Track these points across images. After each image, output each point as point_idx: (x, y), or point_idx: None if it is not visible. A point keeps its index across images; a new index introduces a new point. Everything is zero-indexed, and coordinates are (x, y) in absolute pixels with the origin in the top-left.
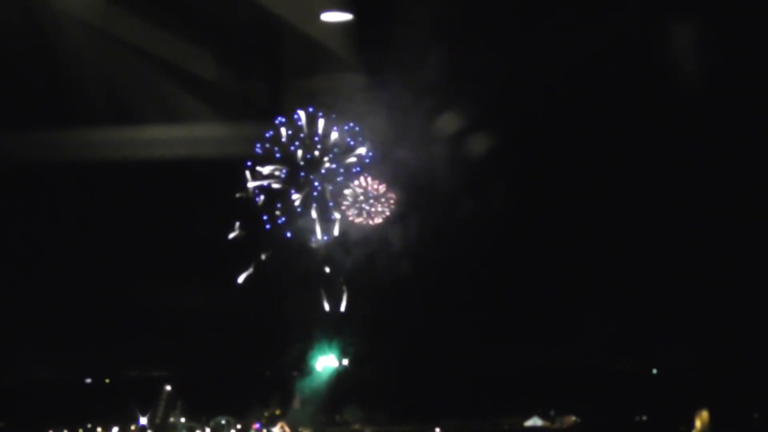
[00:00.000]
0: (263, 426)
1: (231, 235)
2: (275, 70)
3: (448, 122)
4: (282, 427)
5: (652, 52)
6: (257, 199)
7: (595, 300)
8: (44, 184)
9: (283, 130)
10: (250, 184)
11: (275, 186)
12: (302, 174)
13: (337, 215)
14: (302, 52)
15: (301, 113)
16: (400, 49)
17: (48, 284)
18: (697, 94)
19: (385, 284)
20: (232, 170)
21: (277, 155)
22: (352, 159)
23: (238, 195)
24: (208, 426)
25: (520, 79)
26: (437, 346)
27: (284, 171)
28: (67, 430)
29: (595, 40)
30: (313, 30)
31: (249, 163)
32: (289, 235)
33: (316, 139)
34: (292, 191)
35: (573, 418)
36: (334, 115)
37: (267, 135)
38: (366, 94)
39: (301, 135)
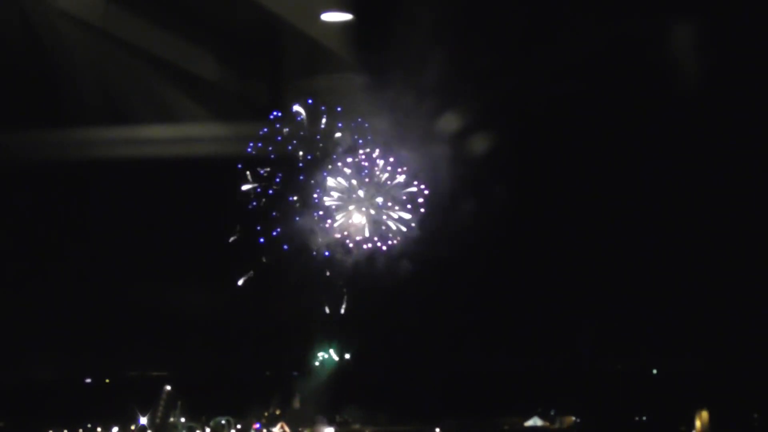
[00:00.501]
0: (263, 426)
1: (231, 239)
2: (275, 71)
3: (450, 122)
4: (282, 427)
5: (656, 51)
6: (253, 203)
7: (595, 300)
8: (43, 184)
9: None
10: (245, 187)
11: (272, 187)
12: (302, 177)
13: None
14: (303, 52)
15: (300, 108)
16: (401, 49)
17: (47, 284)
18: (700, 94)
19: (385, 284)
20: (232, 171)
21: (272, 156)
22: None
23: (238, 198)
24: (208, 426)
25: (523, 79)
26: (437, 346)
27: (279, 174)
28: (67, 430)
29: (599, 39)
30: (313, 30)
31: (240, 166)
32: (286, 247)
33: (318, 137)
34: (291, 197)
35: (573, 419)
36: (339, 108)
37: (262, 132)
38: (367, 94)
39: (301, 133)
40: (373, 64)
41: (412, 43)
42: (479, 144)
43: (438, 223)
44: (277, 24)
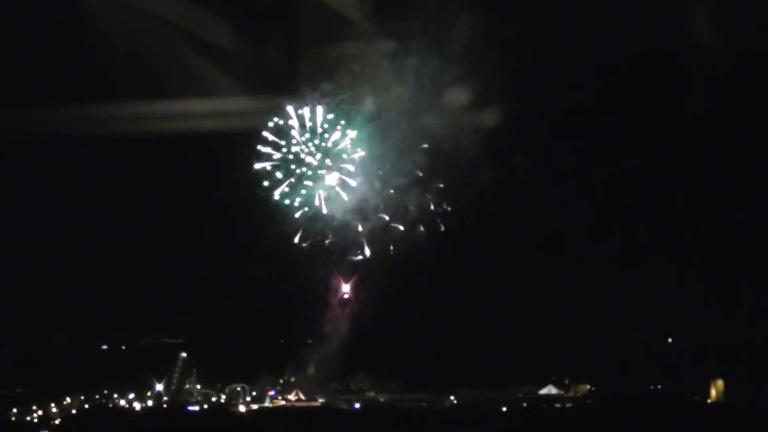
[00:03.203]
0: (278, 393)
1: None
2: (296, 40)
3: (469, 91)
4: (297, 394)
5: (681, 26)
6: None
7: (612, 270)
8: (66, 155)
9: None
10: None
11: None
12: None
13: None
14: (325, 21)
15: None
16: (422, 16)
17: (66, 253)
18: (719, 71)
19: (401, 251)
20: (250, 142)
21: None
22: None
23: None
24: (224, 393)
25: (545, 50)
26: (453, 314)
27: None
28: (84, 396)
29: (623, 14)
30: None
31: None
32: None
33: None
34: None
35: (587, 387)
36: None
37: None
38: (387, 61)
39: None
40: (392, 31)
41: (433, 11)
42: (500, 114)
43: (457, 193)
44: None
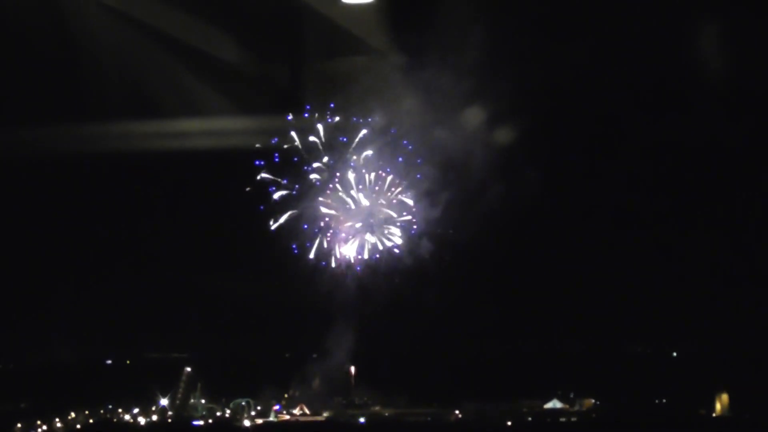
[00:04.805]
0: (283, 408)
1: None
2: (299, 57)
3: (481, 106)
4: (302, 409)
5: (685, 41)
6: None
7: (616, 282)
8: (69, 172)
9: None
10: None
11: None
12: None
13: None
14: (327, 36)
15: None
16: (428, 30)
17: (69, 266)
18: (725, 81)
19: (406, 265)
20: (255, 158)
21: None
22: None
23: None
24: (228, 408)
25: (555, 65)
26: (457, 328)
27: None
28: (88, 411)
29: (634, 28)
30: (334, 12)
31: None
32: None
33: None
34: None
35: (592, 401)
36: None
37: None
38: (392, 77)
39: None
40: (396, 46)
41: (437, 26)
42: (511, 129)
43: (461, 208)
44: (299, 8)
